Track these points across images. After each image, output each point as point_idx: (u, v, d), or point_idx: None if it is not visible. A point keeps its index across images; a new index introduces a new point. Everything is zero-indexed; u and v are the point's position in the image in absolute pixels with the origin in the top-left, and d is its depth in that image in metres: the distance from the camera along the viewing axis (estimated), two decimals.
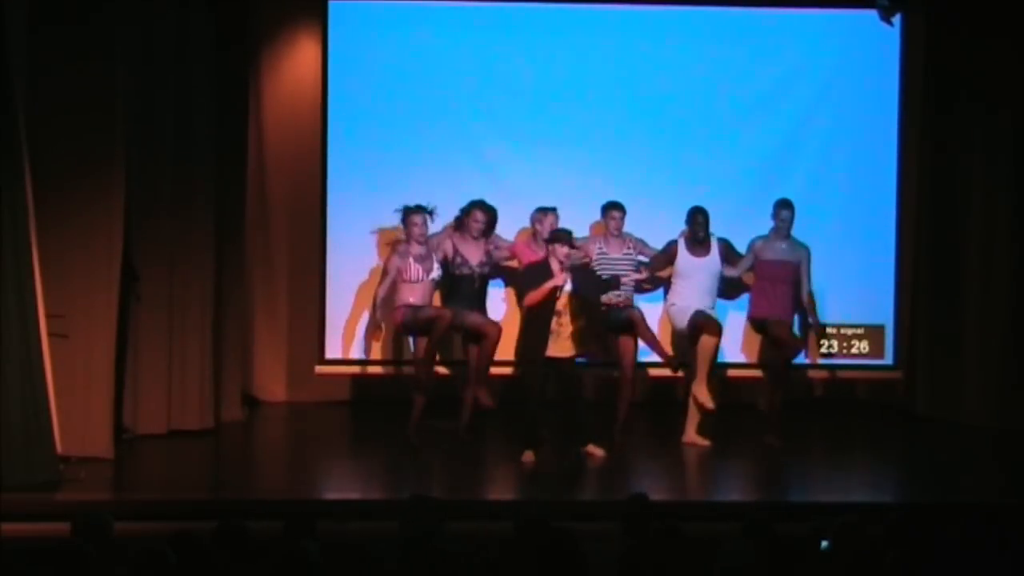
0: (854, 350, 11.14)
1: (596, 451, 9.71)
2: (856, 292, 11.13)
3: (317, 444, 10.68)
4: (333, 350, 11.10)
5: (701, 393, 10.06)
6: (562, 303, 9.53)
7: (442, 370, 10.58)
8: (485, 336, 9.97)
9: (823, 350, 11.06)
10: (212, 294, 10.53)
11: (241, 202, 11.10)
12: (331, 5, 11.16)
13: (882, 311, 11.21)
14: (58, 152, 9.18)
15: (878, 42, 11.01)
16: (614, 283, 9.99)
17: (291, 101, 11.63)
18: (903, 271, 11.30)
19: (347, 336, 11.05)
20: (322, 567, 5.42)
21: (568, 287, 9.52)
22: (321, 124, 11.16)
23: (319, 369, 11.19)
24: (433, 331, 9.88)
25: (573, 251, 9.73)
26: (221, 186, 10.63)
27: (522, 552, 5.72)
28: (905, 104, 11.29)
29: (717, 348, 10.12)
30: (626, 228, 10.40)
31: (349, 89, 11.13)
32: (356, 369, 11.22)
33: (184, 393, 10.32)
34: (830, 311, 10.96)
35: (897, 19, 10.54)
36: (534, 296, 9.48)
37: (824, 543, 5.92)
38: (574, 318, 9.59)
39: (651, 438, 10.28)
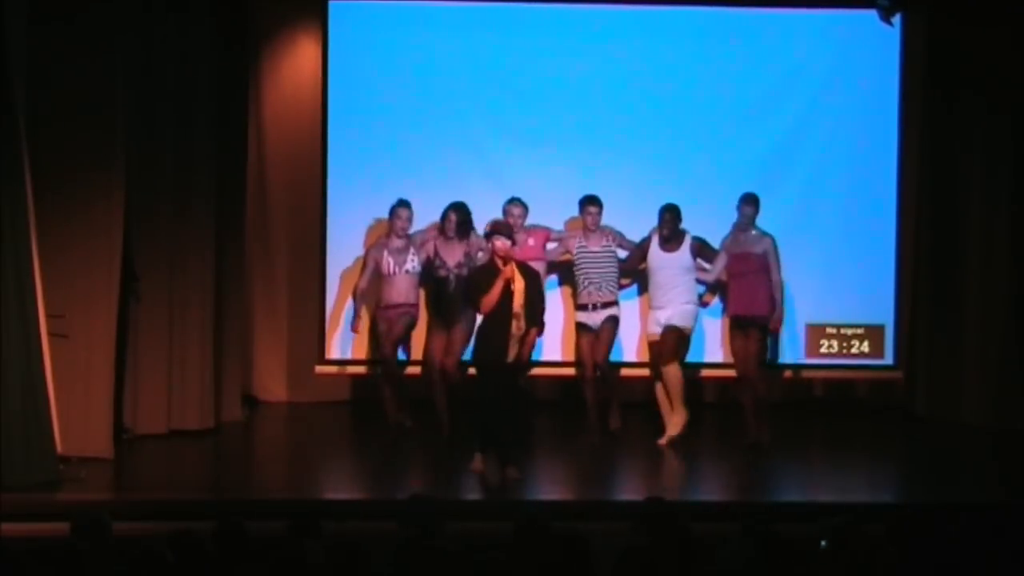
0: (854, 350, 11.13)
1: (515, 474, 9.11)
2: (856, 292, 11.12)
3: (317, 444, 10.68)
4: (333, 350, 11.09)
5: (679, 421, 10.14)
6: (519, 304, 9.08)
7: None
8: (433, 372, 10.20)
9: (823, 350, 11.05)
10: (212, 294, 10.53)
11: (241, 202, 11.10)
12: (331, 5, 11.15)
13: (882, 311, 11.20)
14: (58, 152, 9.19)
15: (878, 42, 11.00)
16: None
17: (291, 101, 11.63)
18: (903, 271, 11.29)
19: (332, 328, 11.04)
20: (322, 567, 5.43)
21: (521, 286, 9.09)
22: (321, 124, 11.15)
23: (319, 369, 11.18)
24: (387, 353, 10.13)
25: (556, 246, 9.58)
26: (221, 186, 10.63)
27: (522, 553, 5.73)
28: (905, 104, 11.27)
29: (682, 373, 10.17)
30: (610, 227, 10.42)
31: (349, 89, 11.12)
32: (356, 369, 11.21)
33: (184, 393, 10.32)
34: (830, 311, 10.96)
35: (897, 19, 10.52)
36: (490, 298, 9.05)
37: (824, 543, 5.92)
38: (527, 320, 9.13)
39: (650, 438, 10.27)
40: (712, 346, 10.89)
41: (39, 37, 9.06)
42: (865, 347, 11.13)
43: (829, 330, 11.01)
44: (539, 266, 10.06)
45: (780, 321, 10.32)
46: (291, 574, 5.46)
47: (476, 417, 9.29)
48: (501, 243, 9.13)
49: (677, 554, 5.77)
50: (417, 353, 10.67)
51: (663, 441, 10.11)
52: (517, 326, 9.09)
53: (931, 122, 11.26)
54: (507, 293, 9.06)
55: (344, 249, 11.05)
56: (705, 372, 11.01)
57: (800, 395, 11.37)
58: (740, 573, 5.62)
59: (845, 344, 11.11)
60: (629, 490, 9.33)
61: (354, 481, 9.71)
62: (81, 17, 9.22)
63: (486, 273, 9.20)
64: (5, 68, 8.59)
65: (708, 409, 10.60)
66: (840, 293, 11.04)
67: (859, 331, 11.12)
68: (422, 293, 10.43)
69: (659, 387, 10.28)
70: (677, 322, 10.18)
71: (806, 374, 11.24)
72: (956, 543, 5.99)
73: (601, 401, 10.26)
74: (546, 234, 10.43)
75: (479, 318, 9.37)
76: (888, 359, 11.21)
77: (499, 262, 9.12)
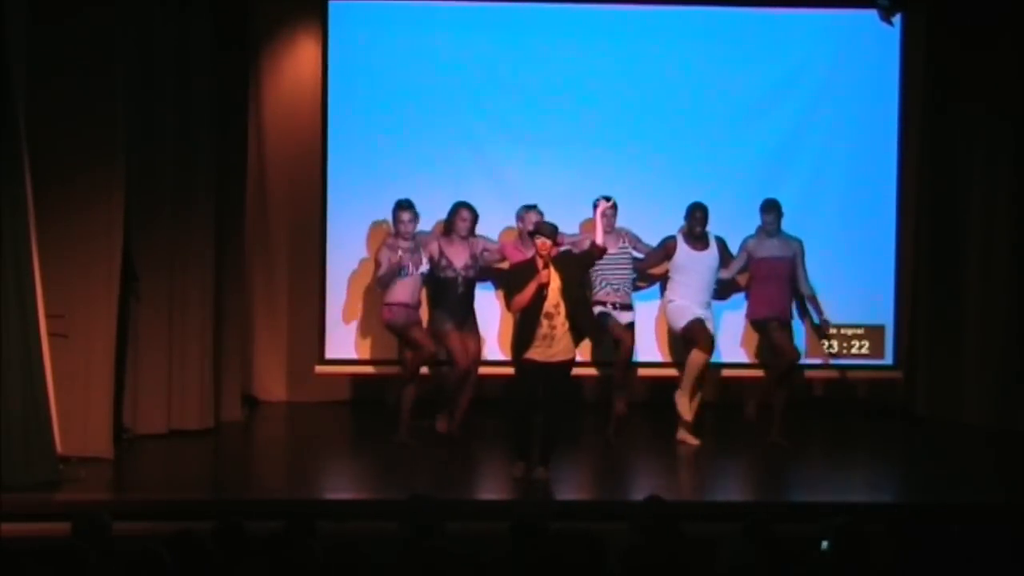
0: (854, 350, 11.13)
1: (543, 474, 9.10)
2: (856, 292, 11.12)
3: (317, 444, 10.68)
4: (333, 350, 11.09)
5: (683, 404, 10.15)
6: (552, 304, 9.00)
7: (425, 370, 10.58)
8: (461, 368, 10.07)
9: (824, 350, 11.04)
10: (212, 294, 10.54)
11: (241, 202, 11.10)
12: (331, 5, 11.15)
13: (882, 311, 11.21)
14: (58, 152, 9.18)
15: (878, 42, 11.01)
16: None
17: (291, 101, 11.63)
18: (903, 271, 11.30)
19: (332, 334, 11.05)
20: (322, 567, 5.42)
21: (556, 284, 9.02)
22: (321, 124, 11.15)
23: (319, 369, 11.18)
24: (412, 358, 10.04)
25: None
26: (221, 186, 10.64)
27: (523, 553, 5.73)
28: (905, 104, 11.28)
29: (706, 364, 10.18)
30: (627, 228, 10.44)
31: (349, 89, 11.12)
32: (356, 369, 11.21)
33: (184, 393, 10.32)
34: (830, 311, 10.94)
35: (897, 19, 10.53)
36: (521, 298, 9.00)
37: (824, 543, 5.92)
38: (567, 319, 9.04)
39: (651, 438, 10.27)
40: (723, 346, 10.86)
41: (39, 37, 9.06)
42: (865, 347, 11.13)
43: (829, 330, 11.01)
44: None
45: (826, 321, 10.59)
46: (291, 574, 5.46)
47: (512, 420, 9.31)
48: (542, 242, 9.03)
49: (677, 554, 5.76)
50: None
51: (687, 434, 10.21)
52: (550, 325, 9.03)
53: (931, 122, 11.27)
54: (540, 294, 9.00)
55: (344, 249, 11.04)
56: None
57: (800, 395, 11.37)
58: (740, 573, 5.61)
59: (845, 344, 11.11)
60: (629, 490, 9.32)
61: (354, 481, 9.71)
62: (81, 17, 9.21)
63: (522, 272, 9.13)
64: (5, 68, 8.59)
65: (708, 409, 10.58)
66: (840, 293, 11.03)
67: (859, 331, 11.12)
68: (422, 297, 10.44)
69: (702, 357, 10.17)
70: (710, 326, 10.24)
71: (806, 374, 11.24)
72: (956, 543, 5.99)
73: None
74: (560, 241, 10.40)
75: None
76: (888, 359, 11.21)
77: (539, 262, 9.04)
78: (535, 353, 9.03)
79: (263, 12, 11.45)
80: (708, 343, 10.15)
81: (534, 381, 9.08)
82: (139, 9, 9.80)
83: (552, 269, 9.03)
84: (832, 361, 11.09)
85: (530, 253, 9.78)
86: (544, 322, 9.01)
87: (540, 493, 8.90)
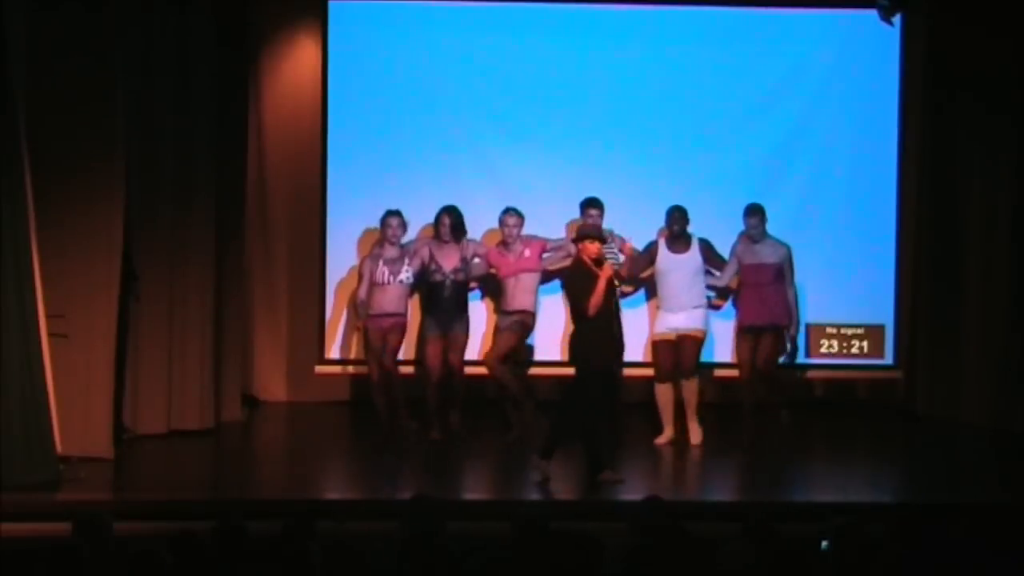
0: (854, 350, 11.13)
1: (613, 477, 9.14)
2: (856, 292, 11.12)
3: (317, 444, 10.68)
4: (333, 350, 11.10)
5: (695, 431, 10.16)
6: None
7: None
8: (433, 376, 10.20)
9: (823, 350, 11.04)
10: (212, 294, 10.54)
11: (241, 202, 11.11)
12: (331, 5, 11.16)
13: (882, 311, 11.21)
14: (58, 152, 9.19)
15: (878, 42, 11.01)
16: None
17: (291, 101, 11.63)
18: (903, 271, 11.30)
19: (330, 336, 11.06)
20: (322, 567, 5.43)
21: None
22: (321, 124, 11.16)
23: (319, 369, 11.19)
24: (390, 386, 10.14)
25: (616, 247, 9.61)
26: (221, 186, 10.63)
27: (525, 554, 5.74)
28: (905, 104, 11.28)
29: (673, 389, 10.18)
30: (626, 229, 10.43)
31: (349, 89, 11.13)
32: (356, 369, 11.21)
33: (184, 393, 10.32)
34: (830, 311, 10.96)
35: (897, 19, 10.53)
36: (596, 298, 8.91)
37: (824, 543, 5.93)
38: None
39: (650, 438, 10.27)
40: (720, 347, 10.85)
41: (39, 37, 9.06)
42: (865, 347, 11.13)
43: (829, 330, 11.01)
44: (535, 277, 10.24)
45: (796, 330, 10.39)
46: (291, 574, 5.46)
47: (562, 422, 9.17)
48: (595, 247, 9.08)
49: (677, 554, 5.77)
50: (409, 353, 10.65)
51: (695, 442, 10.17)
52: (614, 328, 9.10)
53: (931, 122, 11.26)
54: (608, 297, 9.02)
55: (344, 250, 11.05)
56: (715, 372, 10.97)
57: (800, 395, 11.37)
58: (740, 573, 5.62)
59: (845, 344, 11.11)
60: (629, 490, 9.31)
61: (354, 481, 9.70)
62: (81, 16, 9.22)
63: (582, 276, 9.09)
64: (5, 67, 8.59)
65: (708, 409, 10.58)
66: (840, 293, 11.04)
67: (859, 331, 11.12)
68: (412, 303, 10.42)
69: (661, 389, 10.24)
70: (692, 328, 10.18)
71: (806, 374, 11.24)
72: (956, 543, 5.99)
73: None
74: (542, 244, 10.41)
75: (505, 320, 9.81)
76: (888, 359, 11.21)
77: (591, 264, 9.05)
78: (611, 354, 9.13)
79: (263, 12, 11.45)
80: (663, 370, 10.14)
81: (607, 383, 9.16)
82: (139, 9, 9.80)
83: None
84: (824, 361, 11.07)
85: (509, 257, 9.96)
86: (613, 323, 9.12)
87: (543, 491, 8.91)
